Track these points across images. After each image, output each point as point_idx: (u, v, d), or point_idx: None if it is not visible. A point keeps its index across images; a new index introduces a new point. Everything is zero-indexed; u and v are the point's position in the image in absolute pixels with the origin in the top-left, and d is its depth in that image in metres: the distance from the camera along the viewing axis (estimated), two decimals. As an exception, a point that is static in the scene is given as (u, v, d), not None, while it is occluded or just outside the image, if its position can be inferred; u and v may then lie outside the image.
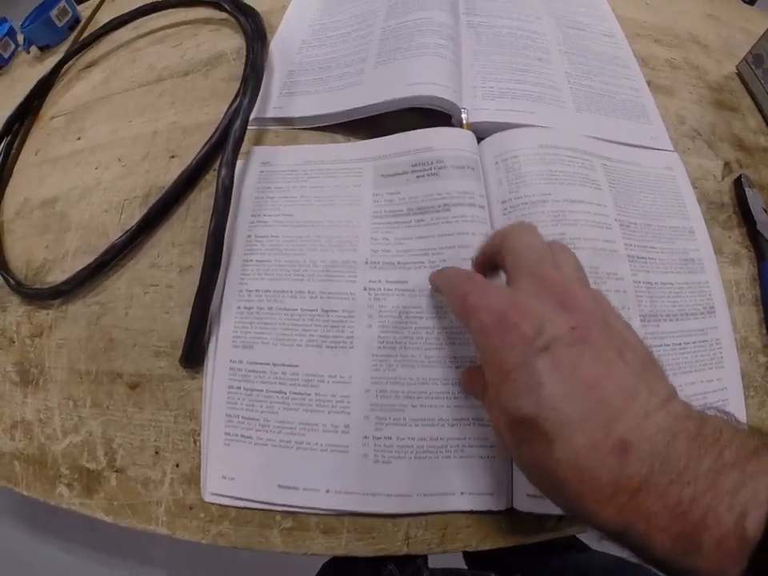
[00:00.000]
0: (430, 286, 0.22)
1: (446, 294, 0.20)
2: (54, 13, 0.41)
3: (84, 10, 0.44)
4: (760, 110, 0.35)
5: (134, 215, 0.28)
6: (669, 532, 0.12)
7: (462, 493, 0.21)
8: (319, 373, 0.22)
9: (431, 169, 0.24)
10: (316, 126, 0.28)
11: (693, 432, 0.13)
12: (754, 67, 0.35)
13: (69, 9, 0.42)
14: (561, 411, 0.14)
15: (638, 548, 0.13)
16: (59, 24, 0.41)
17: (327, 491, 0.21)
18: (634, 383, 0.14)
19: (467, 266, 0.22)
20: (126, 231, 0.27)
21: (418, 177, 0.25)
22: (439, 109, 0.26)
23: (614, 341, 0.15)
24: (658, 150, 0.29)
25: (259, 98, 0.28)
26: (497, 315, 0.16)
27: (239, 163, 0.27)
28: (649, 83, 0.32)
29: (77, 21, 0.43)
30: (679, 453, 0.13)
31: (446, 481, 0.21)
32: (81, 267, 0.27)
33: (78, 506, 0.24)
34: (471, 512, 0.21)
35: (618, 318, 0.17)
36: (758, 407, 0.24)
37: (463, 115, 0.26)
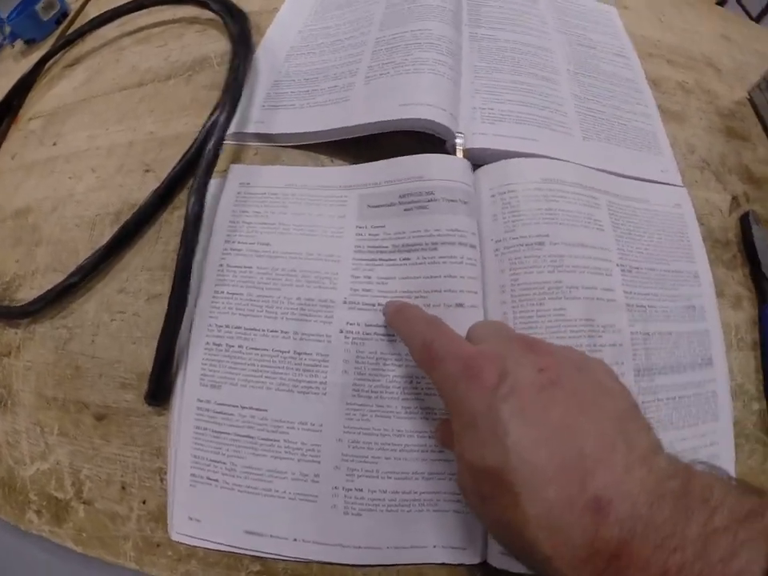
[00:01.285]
0: None
1: (406, 337, 0.17)
2: (39, 6, 0.36)
3: (73, 3, 0.39)
4: (771, 140, 0.31)
5: (105, 233, 0.25)
6: None
7: (434, 546, 0.18)
8: (289, 419, 0.19)
9: (420, 201, 0.21)
10: (299, 144, 0.24)
11: (678, 492, 0.11)
12: (766, 93, 0.31)
13: (56, 2, 0.37)
14: (529, 461, 0.12)
15: None
16: (45, 18, 0.37)
17: (295, 540, 0.19)
18: (613, 433, 0.12)
19: (453, 313, 0.19)
20: (95, 252, 0.23)
21: (405, 210, 0.21)
22: (433, 133, 0.22)
23: (588, 385, 0.13)
24: (667, 184, 0.25)
25: (241, 110, 0.24)
26: (461, 363, 0.14)
27: (215, 182, 0.23)
28: (659, 108, 0.28)
29: (64, 14, 0.38)
30: (664, 515, 0.11)
31: (418, 534, 0.18)
32: (49, 286, 0.24)
33: (47, 533, 0.21)
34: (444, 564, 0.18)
35: (596, 363, 0.14)
36: (749, 455, 0.22)
37: (458, 140, 0.22)
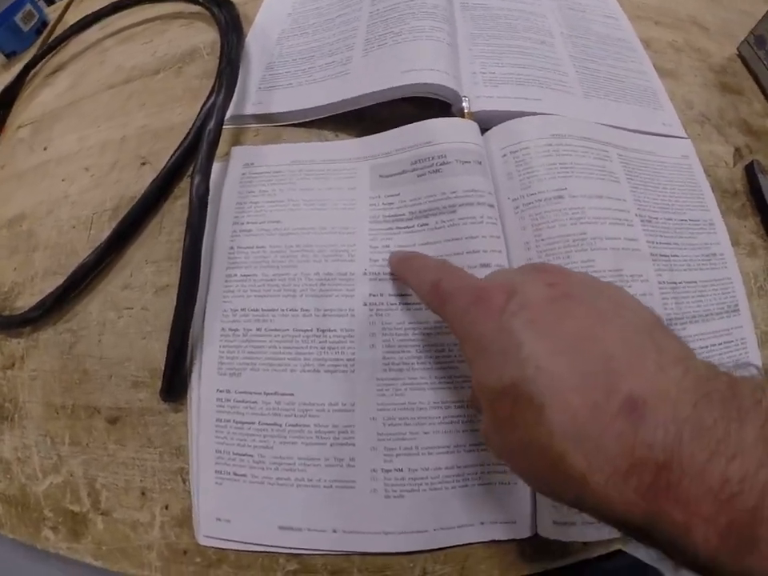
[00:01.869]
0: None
1: (414, 282, 0.17)
2: (18, 17, 0.35)
3: (52, 13, 0.38)
4: (764, 93, 0.31)
5: (104, 230, 0.24)
6: (714, 524, 0.09)
7: (481, 523, 0.17)
8: (318, 401, 0.18)
9: (433, 165, 0.20)
10: (300, 121, 0.24)
11: (725, 392, 0.09)
12: (756, 48, 0.31)
13: (35, 12, 0.36)
14: (547, 369, 0.11)
15: (674, 547, 0.09)
16: (25, 29, 0.36)
17: (334, 531, 0.17)
18: (638, 340, 0.11)
19: (478, 274, 0.18)
20: (95, 249, 0.22)
21: (419, 176, 0.20)
22: (438, 97, 0.21)
23: (604, 300, 0.12)
24: (672, 137, 0.25)
25: (236, 94, 0.23)
26: (470, 295, 0.14)
27: (218, 166, 0.22)
28: (653, 66, 0.28)
29: (44, 24, 0.37)
30: (714, 416, 0.09)
31: (464, 512, 0.17)
32: (50, 290, 0.23)
33: (65, 550, 0.20)
34: (492, 541, 0.17)
35: (612, 285, 0.13)
36: (783, 405, 0.21)
37: (464, 104, 0.22)
